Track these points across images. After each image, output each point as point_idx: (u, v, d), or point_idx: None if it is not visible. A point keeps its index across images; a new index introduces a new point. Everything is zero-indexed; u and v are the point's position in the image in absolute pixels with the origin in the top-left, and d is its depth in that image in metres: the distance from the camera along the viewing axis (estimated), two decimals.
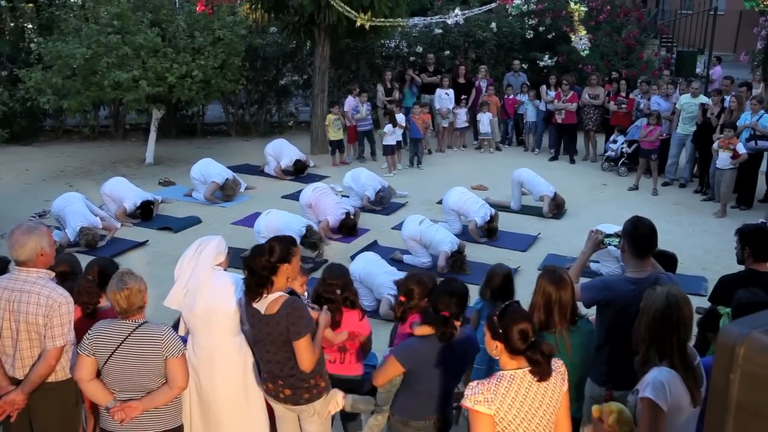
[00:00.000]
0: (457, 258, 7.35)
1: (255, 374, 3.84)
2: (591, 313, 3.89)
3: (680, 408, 2.73)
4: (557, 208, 9.23)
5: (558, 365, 2.84)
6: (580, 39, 9.68)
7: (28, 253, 3.46)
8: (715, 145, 9.35)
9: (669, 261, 4.40)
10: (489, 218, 8.32)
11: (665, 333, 2.78)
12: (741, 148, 9.11)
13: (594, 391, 3.68)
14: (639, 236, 3.65)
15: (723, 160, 9.22)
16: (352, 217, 8.47)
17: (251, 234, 7.78)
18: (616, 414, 2.85)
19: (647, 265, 3.67)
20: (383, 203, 9.50)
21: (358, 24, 9.42)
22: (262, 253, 3.52)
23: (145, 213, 8.85)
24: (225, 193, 9.68)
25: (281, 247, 3.55)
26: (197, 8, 10.32)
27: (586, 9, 9.59)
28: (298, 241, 7.08)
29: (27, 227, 3.52)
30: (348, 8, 9.39)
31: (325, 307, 3.86)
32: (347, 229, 8.40)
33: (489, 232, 8.38)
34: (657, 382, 2.72)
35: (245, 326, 3.82)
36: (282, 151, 10.99)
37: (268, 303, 3.49)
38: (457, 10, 9.84)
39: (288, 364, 3.53)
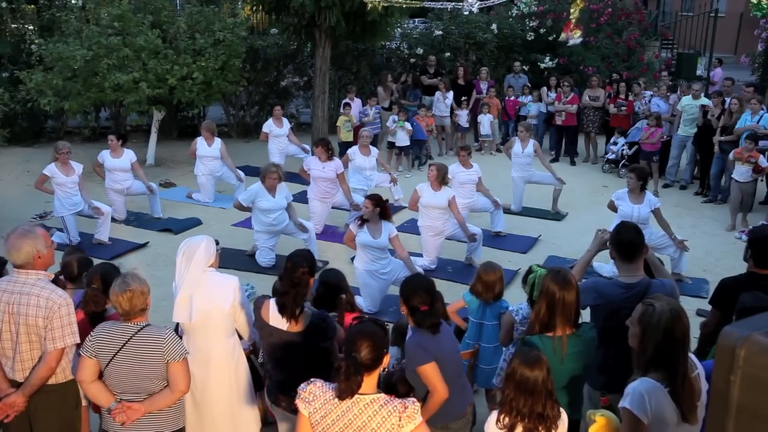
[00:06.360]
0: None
1: (249, 378, 3.85)
2: None
3: (663, 421, 2.66)
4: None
5: (398, 407, 2.61)
6: (573, 38, 9.63)
7: (24, 257, 3.45)
8: (731, 156, 9.00)
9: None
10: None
11: (672, 350, 2.73)
12: (763, 161, 8.68)
13: (590, 394, 3.68)
14: (623, 241, 3.75)
15: (743, 173, 8.79)
16: None
17: (251, 235, 7.78)
18: (597, 424, 2.82)
19: (639, 270, 3.73)
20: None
21: (369, 6, 9.28)
22: (300, 264, 3.43)
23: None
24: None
25: (309, 257, 3.54)
26: None
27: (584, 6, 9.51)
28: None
29: (22, 231, 3.51)
30: None
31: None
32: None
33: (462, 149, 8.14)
34: (637, 392, 2.67)
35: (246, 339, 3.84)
36: (282, 145, 10.92)
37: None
38: None
39: (308, 378, 3.51)
